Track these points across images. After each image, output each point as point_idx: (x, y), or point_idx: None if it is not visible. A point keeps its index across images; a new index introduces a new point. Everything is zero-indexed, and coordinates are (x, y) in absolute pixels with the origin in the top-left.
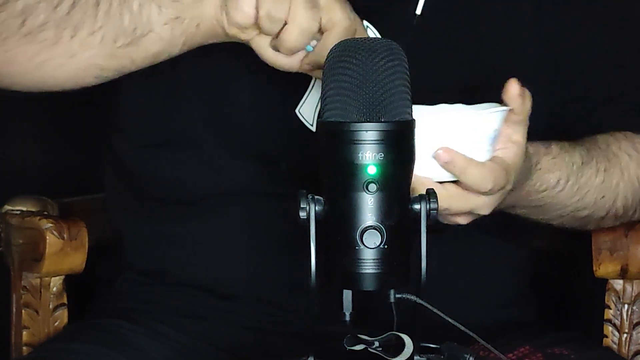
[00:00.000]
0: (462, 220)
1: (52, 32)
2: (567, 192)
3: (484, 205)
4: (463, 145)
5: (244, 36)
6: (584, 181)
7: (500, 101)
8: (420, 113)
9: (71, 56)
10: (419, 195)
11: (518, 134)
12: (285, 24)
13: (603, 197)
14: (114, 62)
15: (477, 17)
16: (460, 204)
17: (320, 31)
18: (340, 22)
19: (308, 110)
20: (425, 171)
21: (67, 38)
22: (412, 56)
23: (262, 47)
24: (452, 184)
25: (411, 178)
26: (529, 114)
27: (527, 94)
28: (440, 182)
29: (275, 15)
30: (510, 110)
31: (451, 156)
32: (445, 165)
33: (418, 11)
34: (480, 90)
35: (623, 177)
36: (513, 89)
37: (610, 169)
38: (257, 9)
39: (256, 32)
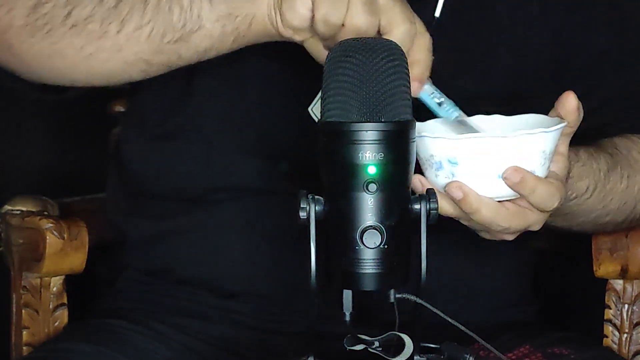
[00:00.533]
0: (511, 237)
1: (98, 25)
2: (594, 199)
3: (539, 222)
4: (528, 164)
5: (298, 38)
6: (609, 188)
7: (522, 111)
8: (488, 134)
9: (118, 50)
10: (419, 195)
11: (564, 146)
12: (343, 25)
13: (625, 203)
14: (161, 58)
15: (489, 18)
16: (520, 223)
17: (379, 33)
18: (400, 24)
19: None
20: (487, 191)
21: (113, 32)
22: None
23: (317, 49)
24: (510, 203)
25: (411, 178)
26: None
27: (580, 105)
28: (500, 201)
29: (331, 19)
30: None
31: (522, 176)
32: (515, 185)
33: (437, 14)
34: (494, 93)
35: None
36: (571, 102)
37: (632, 175)
38: (313, 11)
39: (311, 34)
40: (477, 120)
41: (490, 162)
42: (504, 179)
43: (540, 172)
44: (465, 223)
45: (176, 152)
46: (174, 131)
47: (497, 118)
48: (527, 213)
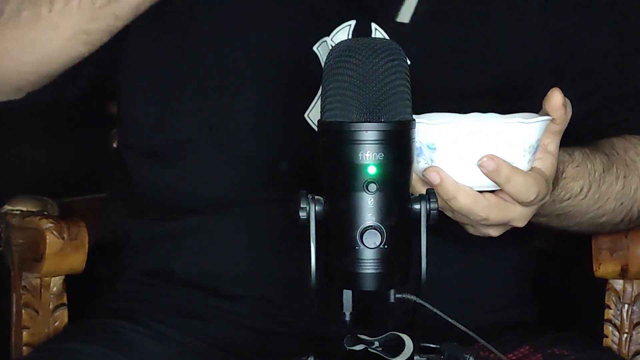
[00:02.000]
0: (495, 232)
1: (30, 10)
2: (589, 200)
3: (521, 217)
4: (507, 154)
5: None
6: (604, 188)
7: (525, 109)
8: (465, 122)
9: (55, 28)
10: (419, 195)
11: (553, 144)
12: None
13: (622, 203)
14: (98, 24)
15: (488, 18)
16: (499, 215)
17: None
18: None
19: (317, 114)
20: (466, 179)
21: (45, 12)
22: (425, 60)
23: None
24: (491, 194)
25: (411, 178)
26: (566, 124)
27: (569, 103)
28: (480, 192)
29: None
30: (551, 120)
31: (497, 164)
32: (490, 174)
33: (406, 20)
34: (494, 93)
35: None
36: (556, 98)
37: (629, 175)
38: None
39: None
40: (474, 118)
41: (467, 149)
42: (479, 166)
43: (520, 164)
44: (449, 215)
45: (171, 166)
46: (167, 144)
47: (491, 116)
48: (507, 206)
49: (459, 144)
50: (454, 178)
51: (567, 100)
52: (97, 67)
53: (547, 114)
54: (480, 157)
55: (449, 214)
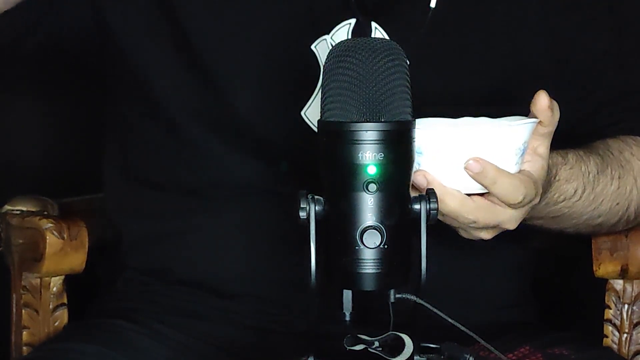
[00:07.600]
0: (486, 235)
1: None
2: (583, 202)
3: (510, 219)
4: (493, 157)
5: None
6: (599, 190)
7: (519, 113)
8: (451, 125)
9: None
10: (419, 195)
11: (543, 147)
12: None
13: (617, 204)
14: None
15: (486, 19)
16: (488, 217)
17: None
18: None
19: (314, 113)
20: (454, 183)
21: None
22: (422, 57)
23: None
24: (480, 197)
25: (411, 178)
26: (555, 127)
27: (556, 106)
28: (469, 195)
29: None
30: (538, 122)
31: (483, 166)
32: (477, 176)
33: (432, 4)
34: (492, 93)
35: (636, 183)
36: (543, 101)
37: (624, 176)
38: None
39: None
40: (463, 122)
41: (454, 153)
42: (465, 169)
43: (507, 166)
44: (440, 218)
45: (172, 149)
46: (170, 132)
47: (480, 119)
48: (496, 208)
49: (445, 148)
50: (441, 182)
51: (555, 102)
52: (55, 23)
53: (532, 116)
54: (466, 161)
55: (439, 218)
